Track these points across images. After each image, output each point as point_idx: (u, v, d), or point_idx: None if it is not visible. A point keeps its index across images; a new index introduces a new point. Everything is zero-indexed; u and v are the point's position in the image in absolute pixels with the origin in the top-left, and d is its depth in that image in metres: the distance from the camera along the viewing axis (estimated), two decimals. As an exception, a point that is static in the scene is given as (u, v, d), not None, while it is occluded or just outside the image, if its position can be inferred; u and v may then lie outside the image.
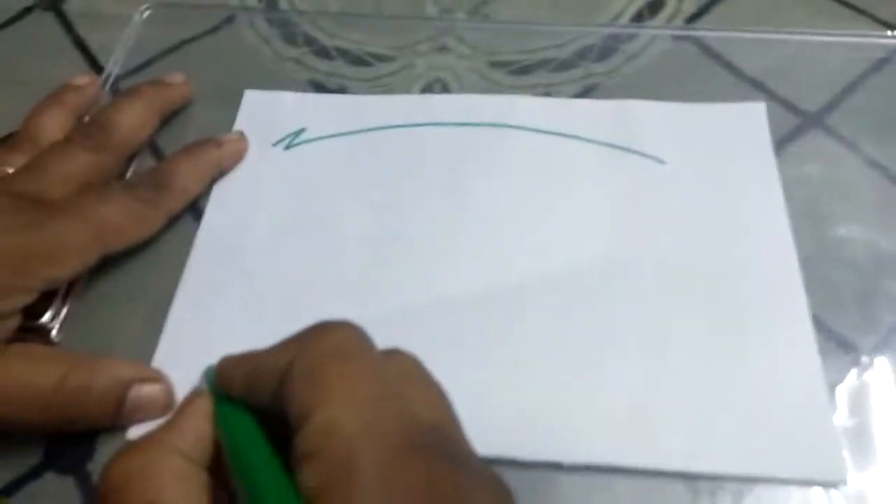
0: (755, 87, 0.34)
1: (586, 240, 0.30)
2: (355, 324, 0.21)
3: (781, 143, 0.32)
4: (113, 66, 0.36)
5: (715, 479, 0.25)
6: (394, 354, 0.21)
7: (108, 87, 0.36)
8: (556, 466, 0.25)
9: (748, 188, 0.31)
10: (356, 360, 0.19)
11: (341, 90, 0.35)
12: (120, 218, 0.28)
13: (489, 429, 0.22)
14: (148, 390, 0.25)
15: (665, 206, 0.31)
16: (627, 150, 0.32)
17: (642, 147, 0.32)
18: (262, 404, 0.20)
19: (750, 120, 0.33)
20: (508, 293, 0.29)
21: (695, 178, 0.31)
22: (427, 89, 0.35)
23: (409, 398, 0.19)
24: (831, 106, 0.33)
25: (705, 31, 0.36)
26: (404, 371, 0.21)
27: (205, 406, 0.22)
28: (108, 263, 0.29)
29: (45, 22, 0.39)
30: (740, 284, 0.28)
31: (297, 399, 0.18)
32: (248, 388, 0.21)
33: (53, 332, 0.28)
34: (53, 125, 0.31)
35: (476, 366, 0.27)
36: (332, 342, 0.20)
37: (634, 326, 0.28)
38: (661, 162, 0.32)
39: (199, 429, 0.21)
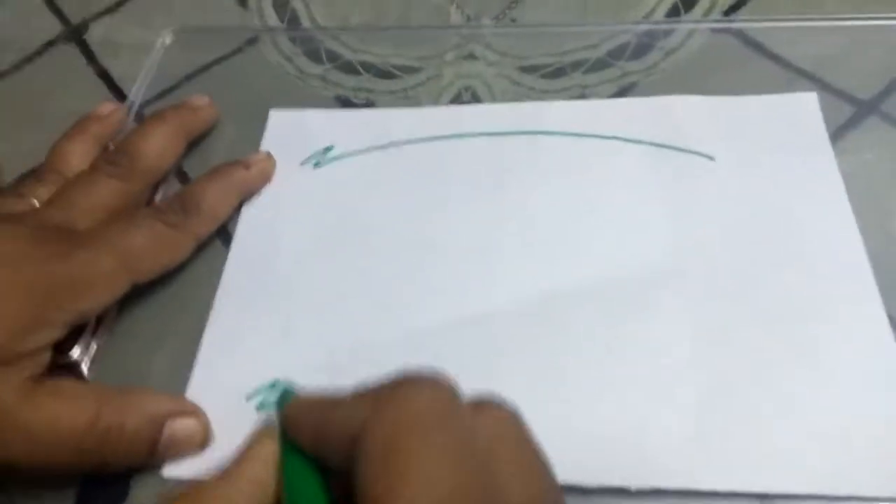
0: (804, 77, 0.32)
1: (635, 246, 0.28)
2: (443, 379, 0.18)
3: (837, 134, 0.30)
4: (136, 94, 0.36)
5: (791, 498, 0.22)
6: (486, 409, 0.19)
7: (132, 114, 0.35)
8: (623, 492, 0.23)
9: (807, 182, 0.29)
10: (440, 431, 0.17)
11: (368, 105, 0.34)
12: (148, 245, 0.27)
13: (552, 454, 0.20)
14: (184, 425, 0.24)
15: (718, 205, 0.29)
16: (673, 148, 0.31)
17: (689, 144, 0.31)
18: (331, 465, 0.18)
19: (802, 110, 0.31)
20: (554, 306, 0.27)
21: (748, 175, 0.29)
22: (456, 98, 0.34)
23: (498, 472, 0.17)
24: (887, 92, 0.31)
25: (746, 22, 0.35)
26: (497, 433, 0.18)
27: (267, 452, 0.20)
28: (137, 293, 0.28)
29: (67, 54, 0.38)
30: (807, 286, 0.26)
31: (368, 479, 0.16)
32: (316, 443, 0.19)
33: (84, 368, 0.27)
34: (78, 155, 0.30)
35: (525, 384, 0.25)
36: (413, 407, 0.17)
37: (694, 336, 0.26)
38: (711, 159, 0.30)
39: (258, 476, 0.20)
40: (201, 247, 0.30)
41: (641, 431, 0.24)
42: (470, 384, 0.25)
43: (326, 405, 0.19)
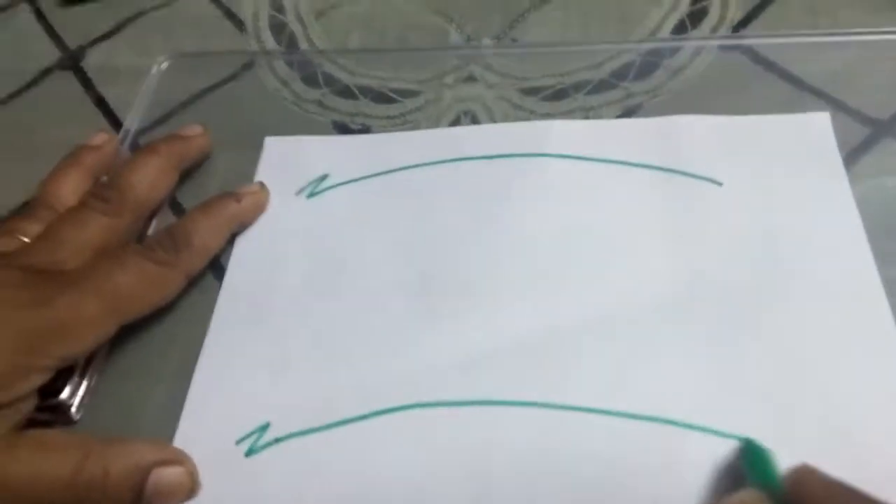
0: (817, 96, 0.31)
1: (642, 277, 0.27)
2: None
3: (851, 157, 0.29)
4: (132, 122, 0.35)
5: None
6: None
7: (127, 143, 0.34)
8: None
9: (819, 208, 0.28)
10: None
11: (365, 130, 0.34)
12: (136, 284, 0.26)
13: (559, 493, 0.20)
14: (170, 474, 0.23)
15: (726, 233, 0.28)
16: (679, 172, 0.29)
17: (695, 168, 0.29)
18: None
19: (814, 131, 0.30)
20: (557, 343, 0.26)
21: (758, 200, 0.28)
22: (455, 122, 0.33)
23: None
24: (905, 112, 0.30)
25: (756, 39, 0.33)
26: None
27: None
28: (128, 331, 0.28)
29: (64, 82, 0.38)
30: (820, 317, 0.25)
31: None
32: None
33: (73, 409, 0.27)
34: (70, 189, 0.30)
35: (532, 424, 0.24)
36: None
37: (705, 373, 0.25)
38: (718, 184, 0.29)
39: None
40: (193, 282, 0.29)
41: (652, 476, 0.23)
42: (471, 426, 0.24)
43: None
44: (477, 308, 0.27)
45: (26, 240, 0.28)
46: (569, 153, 0.31)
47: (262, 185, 0.31)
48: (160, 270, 0.27)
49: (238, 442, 0.25)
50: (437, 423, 0.25)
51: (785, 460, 0.23)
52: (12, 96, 0.38)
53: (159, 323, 0.28)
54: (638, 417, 0.24)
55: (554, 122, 0.32)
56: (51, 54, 0.39)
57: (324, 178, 0.32)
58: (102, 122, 0.36)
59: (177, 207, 0.32)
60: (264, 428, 0.25)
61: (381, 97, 0.35)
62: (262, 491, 0.24)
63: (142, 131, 0.35)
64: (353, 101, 0.35)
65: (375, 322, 0.27)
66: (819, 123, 0.30)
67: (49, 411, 0.26)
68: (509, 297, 0.27)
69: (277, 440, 0.25)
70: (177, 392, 0.27)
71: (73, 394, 0.27)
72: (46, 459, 0.23)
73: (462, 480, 0.23)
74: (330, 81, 0.36)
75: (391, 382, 0.26)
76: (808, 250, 0.27)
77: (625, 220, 0.29)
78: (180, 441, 0.25)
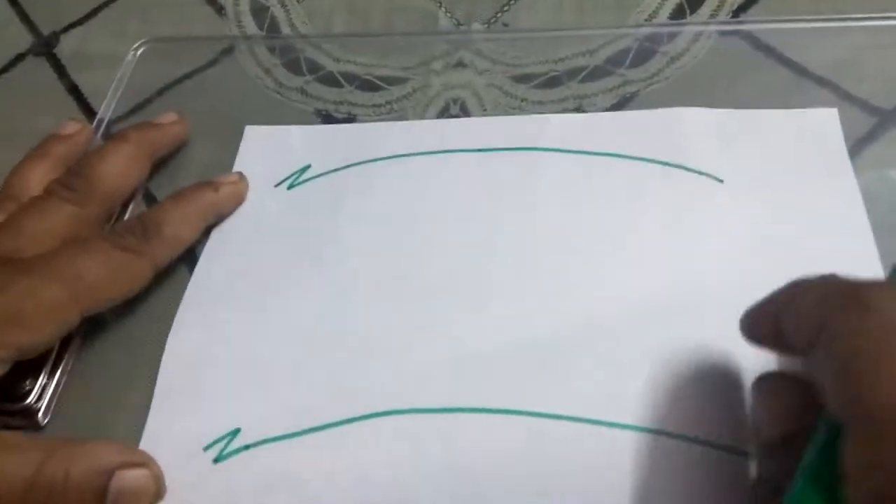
0: (820, 84, 0.30)
1: (638, 278, 0.26)
2: None
3: (856, 148, 0.28)
4: (106, 110, 0.34)
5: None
6: None
7: (100, 132, 0.33)
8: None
9: (825, 210, 0.26)
10: None
11: (350, 119, 0.32)
12: (100, 270, 0.25)
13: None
14: (133, 476, 0.22)
15: (727, 232, 0.26)
16: (678, 167, 0.28)
17: (695, 164, 0.28)
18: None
19: (821, 128, 0.28)
20: (552, 344, 0.25)
21: (760, 198, 0.27)
22: (444, 111, 0.32)
23: None
24: (913, 101, 0.29)
25: (757, 24, 0.32)
26: None
27: None
28: (98, 328, 0.27)
29: (37, 68, 0.36)
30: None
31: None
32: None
33: (40, 415, 0.25)
34: (38, 181, 0.28)
35: (518, 430, 0.23)
36: None
37: (702, 380, 0.23)
38: (719, 180, 0.28)
39: None
40: (164, 274, 0.27)
41: (645, 488, 0.22)
42: (453, 434, 0.23)
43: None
44: (463, 309, 0.26)
45: (-12, 232, 0.26)
46: (563, 147, 0.30)
47: (240, 175, 0.30)
48: (127, 257, 0.26)
49: (206, 448, 0.24)
50: (418, 431, 0.23)
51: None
52: (-18, 83, 0.36)
53: (130, 318, 0.27)
54: (630, 428, 0.23)
55: (548, 116, 0.31)
56: (23, 40, 0.38)
57: (305, 168, 0.30)
58: (76, 110, 0.35)
59: (151, 199, 0.31)
60: (234, 433, 0.24)
61: (367, 84, 0.33)
62: (231, 500, 0.23)
63: (116, 120, 0.34)
64: (338, 89, 0.33)
65: (355, 322, 0.26)
66: (826, 120, 0.28)
67: (14, 416, 0.25)
68: (498, 298, 0.26)
69: (247, 446, 0.23)
70: (149, 391, 0.25)
71: (39, 397, 0.25)
72: (5, 460, 0.21)
73: (442, 491, 0.22)
74: (313, 68, 0.34)
75: (370, 386, 0.24)
76: (813, 254, 0.25)
77: (621, 218, 0.27)
78: (145, 446, 0.24)
